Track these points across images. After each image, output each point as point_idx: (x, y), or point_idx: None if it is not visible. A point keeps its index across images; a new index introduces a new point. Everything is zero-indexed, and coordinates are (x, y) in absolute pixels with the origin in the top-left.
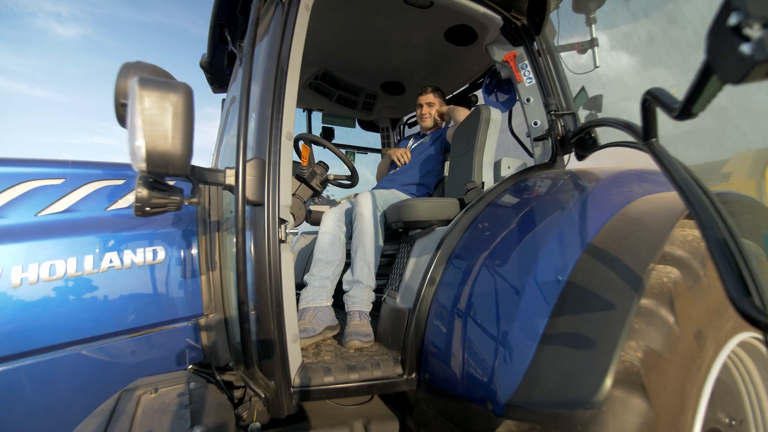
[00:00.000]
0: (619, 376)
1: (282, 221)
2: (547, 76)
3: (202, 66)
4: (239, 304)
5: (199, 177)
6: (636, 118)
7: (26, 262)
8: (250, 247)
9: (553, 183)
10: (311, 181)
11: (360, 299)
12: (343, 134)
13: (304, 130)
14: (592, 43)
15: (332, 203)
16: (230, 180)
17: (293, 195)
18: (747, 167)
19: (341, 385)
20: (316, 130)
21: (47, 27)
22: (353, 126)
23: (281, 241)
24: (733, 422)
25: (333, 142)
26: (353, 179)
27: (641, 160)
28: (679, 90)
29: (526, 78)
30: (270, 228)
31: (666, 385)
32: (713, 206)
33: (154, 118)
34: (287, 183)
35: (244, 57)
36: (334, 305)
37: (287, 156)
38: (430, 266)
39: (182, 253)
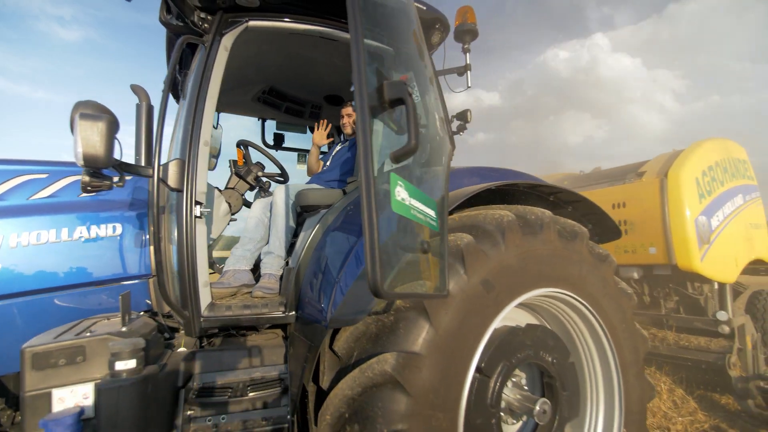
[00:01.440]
0: (408, 303)
1: (198, 203)
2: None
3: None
4: (175, 263)
5: (126, 169)
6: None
7: (21, 231)
8: (175, 221)
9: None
10: (247, 177)
11: (271, 265)
12: (299, 139)
13: (259, 137)
14: (466, 68)
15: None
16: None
17: (232, 188)
18: (657, 167)
19: (236, 316)
20: (269, 136)
21: (49, 30)
22: (305, 132)
23: (197, 217)
24: (554, 361)
25: (291, 146)
26: (284, 176)
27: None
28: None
29: (414, 96)
30: (188, 208)
31: (447, 312)
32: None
33: (87, 136)
34: (203, 176)
35: (182, 83)
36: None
37: (204, 157)
38: (308, 237)
39: (136, 229)
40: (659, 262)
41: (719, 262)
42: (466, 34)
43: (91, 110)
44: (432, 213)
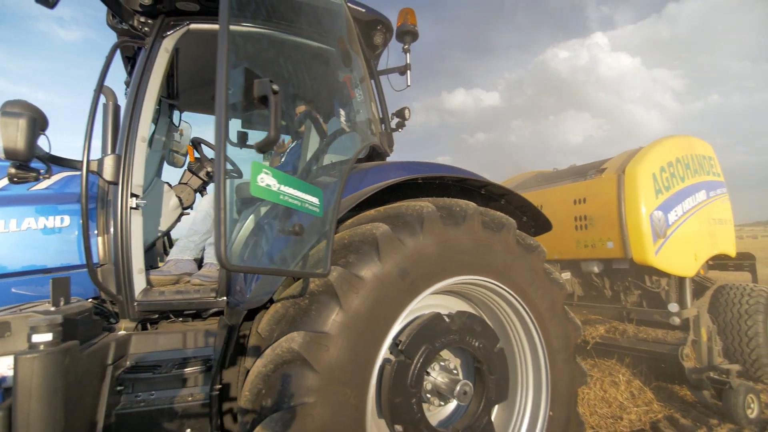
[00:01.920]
0: (322, 288)
1: (134, 195)
2: (375, 93)
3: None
4: (112, 251)
5: (57, 162)
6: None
7: None
8: (112, 212)
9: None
10: (199, 173)
11: (212, 255)
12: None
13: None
14: (406, 67)
15: None
16: (93, 166)
17: (185, 184)
18: (617, 164)
19: (168, 301)
20: (234, 134)
21: (49, 30)
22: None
23: (132, 208)
24: (481, 346)
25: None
26: (237, 172)
27: None
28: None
29: (358, 95)
30: (123, 199)
31: (358, 294)
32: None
33: (7, 132)
34: (140, 170)
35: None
36: None
37: (141, 152)
38: (240, 228)
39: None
40: (616, 256)
41: (676, 256)
42: (407, 35)
43: (18, 109)
44: (314, 199)
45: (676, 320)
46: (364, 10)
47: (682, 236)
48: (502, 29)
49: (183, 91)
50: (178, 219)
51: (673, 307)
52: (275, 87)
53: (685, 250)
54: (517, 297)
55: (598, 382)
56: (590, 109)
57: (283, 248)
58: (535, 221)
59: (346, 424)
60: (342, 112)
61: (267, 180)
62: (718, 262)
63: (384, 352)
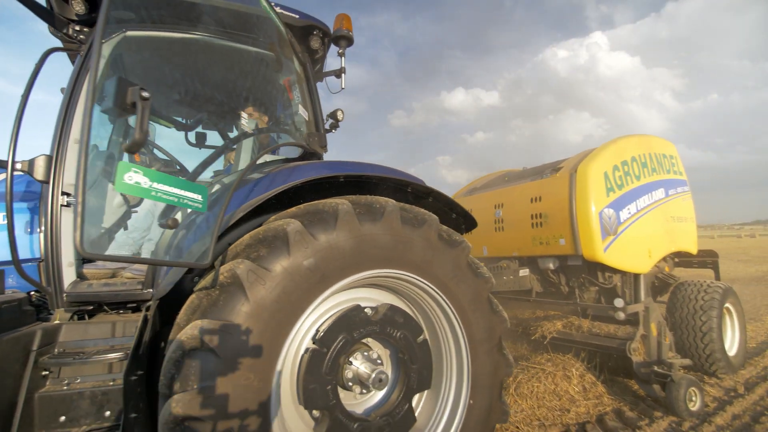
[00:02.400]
0: (231, 279)
1: (65, 193)
2: (308, 95)
3: None
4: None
5: None
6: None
7: None
8: (44, 208)
9: (275, 169)
10: None
11: (148, 250)
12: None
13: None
14: (341, 71)
15: None
16: (25, 167)
17: None
18: (572, 164)
19: (95, 292)
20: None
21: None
22: (232, 131)
23: (63, 206)
24: (402, 336)
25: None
26: (184, 172)
27: None
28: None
29: (296, 96)
30: (54, 198)
31: (265, 285)
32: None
33: None
34: (72, 169)
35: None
36: None
37: (74, 153)
38: (121, 219)
39: (27, 217)
40: (568, 253)
41: (627, 253)
42: (342, 39)
43: None
44: (196, 196)
45: (621, 315)
46: (297, 16)
47: (635, 234)
48: (502, 29)
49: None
50: (127, 216)
51: (619, 302)
52: (145, 94)
53: (638, 247)
54: (437, 290)
55: (550, 376)
56: (590, 109)
57: (164, 239)
58: (464, 218)
59: (250, 406)
60: (267, 114)
61: (136, 178)
62: (684, 259)
63: (294, 339)
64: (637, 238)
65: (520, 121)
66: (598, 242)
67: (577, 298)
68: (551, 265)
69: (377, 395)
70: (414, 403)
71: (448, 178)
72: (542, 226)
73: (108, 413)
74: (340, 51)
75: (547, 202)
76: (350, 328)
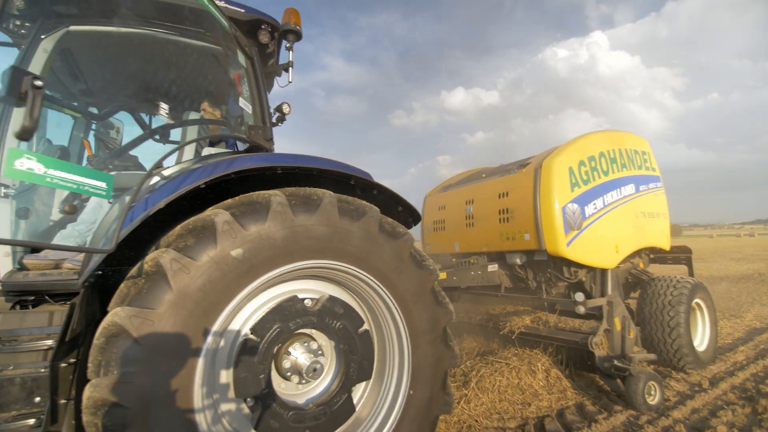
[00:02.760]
0: (155, 268)
1: (1, 185)
2: (255, 89)
3: None
4: None
5: None
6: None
7: None
8: None
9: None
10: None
11: (92, 242)
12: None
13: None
14: (289, 65)
15: None
16: None
17: None
18: (538, 160)
19: (31, 282)
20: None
21: None
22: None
23: (0, 197)
24: (342, 327)
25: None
26: (137, 166)
27: None
28: None
29: (245, 90)
30: None
31: (189, 274)
32: None
33: None
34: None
35: None
36: None
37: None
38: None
39: None
40: (532, 248)
41: (592, 248)
42: (290, 34)
43: None
44: (100, 183)
45: (581, 309)
46: (243, 11)
47: (602, 229)
48: (502, 28)
49: (98, 90)
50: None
51: (579, 296)
52: (37, 83)
53: (604, 243)
54: (377, 282)
55: (515, 371)
56: (590, 108)
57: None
58: (409, 211)
59: (172, 393)
60: (215, 107)
61: (28, 164)
62: (659, 255)
63: (216, 328)
64: (604, 233)
65: (520, 120)
66: (561, 237)
67: (543, 293)
68: (518, 261)
69: (321, 386)
70: (360, 393)
71: (448, 177)
72: (509, 221)
73: (38, 399)
74: (288, 45)
75: (513, 197)
76: (286, 318)
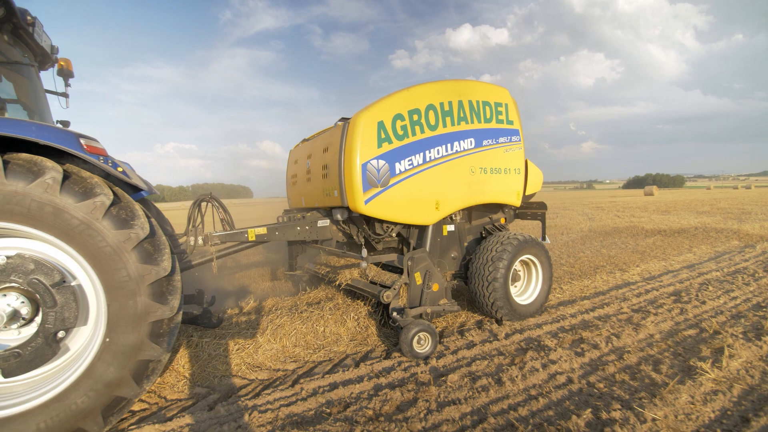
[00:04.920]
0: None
1: None
2: None
3: None
4: None
5: None
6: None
7: None
8: None
9: None
10: None
11: None
12: None
13: None
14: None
15: None
16: None
17: None
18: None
19: None
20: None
21: None
22: None
23: None
24: (35, 281)
25: None
26: None
27: None
28: None
29: None
30: None
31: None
32: None
33: None
34: None
35: None
36: None
37: None
38: None
39: None
40: (337, 204)
41: (401, 205)
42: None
43: None
44: None
45: (364, 265)
46: None
47: (417, 185)
48: None
49: None
50: None
51: (364, 252)
52: None
53: (419, 199)
54: (59, 239)
55: (322, 320)
56: (605, 49)
57: None
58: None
59: None
60: None
61: None
62: (521, 210)
63: None
64: (420, 189)
65: (529, 62)
66: (359, 194)
67: (362, 248)
68: (339, 216)
69: (25, 332)
70: (66, 341)
71: None
72: (327, 177)
73: None
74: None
75: (330, 152)
76: None
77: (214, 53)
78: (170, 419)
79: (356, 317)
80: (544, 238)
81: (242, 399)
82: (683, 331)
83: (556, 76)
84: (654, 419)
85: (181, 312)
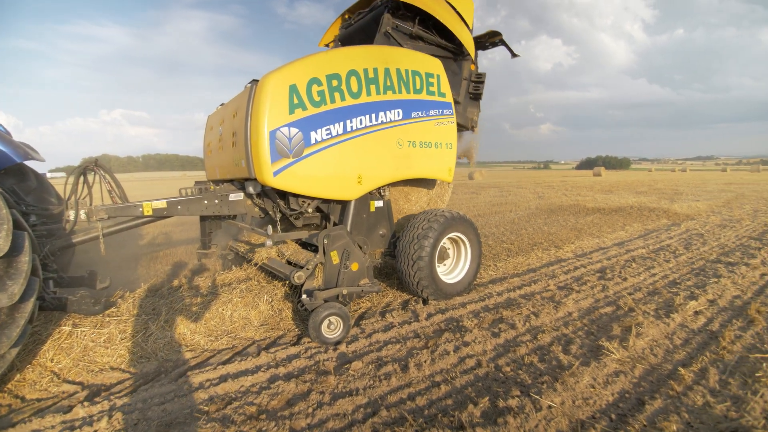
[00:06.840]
0: None
1: None
2: None
3: None
4: None
5: None
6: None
7: None
8: None
9: None
10: None
11: None
12: None
13: None
14: None
15: None
16: None
17: None
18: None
19: None
20: None
21: None
22: None
23: None
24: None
25: None
26: None
27: None
28: None
29: None
30: None
31: None
32: None
33: None
34: None
35: None
36: None
37: None
38: None
39: None
40: (245, 176)
41: (317, 178)
42: None
43: None
44: None
45: (269, 243)
46: None
47: (336, 157)
48: None
49: None
50: None
51: (269, 230)
52: None
53: (338, 172)
54: None
55: (229, 303)
56: (562, 35)
57: None
58: None
59: None
60: None
61: None
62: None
63: None
64: (339, 162)
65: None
66: (267, 165)
67: (268, 226)
68: (252, 189)
69: None
70: None
71: None
72: (236, 145)
73: None
74: None
75: (237, 118)
76: None
77: (169, 14)
78: (17, 423)
79: (270, 300)
80: (514, 55)
81: (112, 397)
82: (600, 309)
83: (517, 60)
84: (550, 406)
85: (32, 299)
